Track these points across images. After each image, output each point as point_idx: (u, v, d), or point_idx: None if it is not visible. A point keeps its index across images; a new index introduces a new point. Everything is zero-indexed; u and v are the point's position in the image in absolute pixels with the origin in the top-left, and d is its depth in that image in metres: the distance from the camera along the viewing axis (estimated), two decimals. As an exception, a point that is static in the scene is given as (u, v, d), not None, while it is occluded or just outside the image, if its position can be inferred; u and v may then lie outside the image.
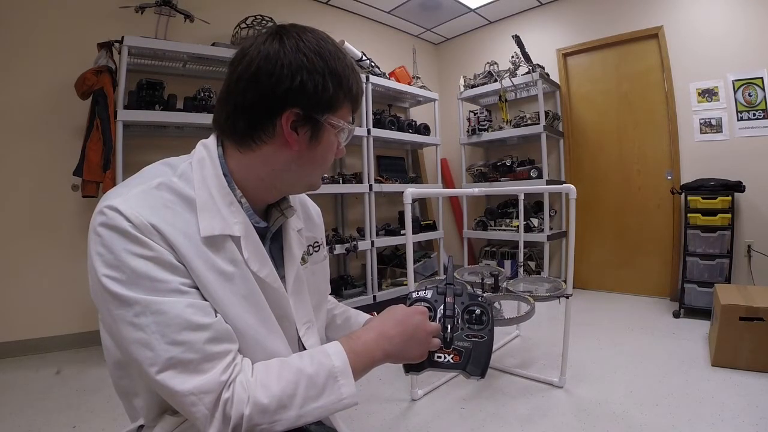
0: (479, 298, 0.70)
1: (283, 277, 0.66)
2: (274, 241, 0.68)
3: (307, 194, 0.83)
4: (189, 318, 0.50)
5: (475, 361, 0.65)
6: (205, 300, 0.54)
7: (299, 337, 0.67)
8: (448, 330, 0.67)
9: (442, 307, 0.68)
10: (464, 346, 0.66)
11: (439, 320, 0.67)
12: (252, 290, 0.59)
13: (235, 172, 0.62)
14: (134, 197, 0.53)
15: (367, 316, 0.84)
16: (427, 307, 0.68)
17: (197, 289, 0.54)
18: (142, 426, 0.65)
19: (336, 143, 0.64)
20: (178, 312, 0.49)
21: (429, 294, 0.70)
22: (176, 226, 0.54)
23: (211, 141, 0.63)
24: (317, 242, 0.78)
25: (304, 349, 0.65)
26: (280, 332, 0.62)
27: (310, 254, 0.75)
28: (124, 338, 0.50)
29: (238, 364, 0.52)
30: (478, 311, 0.68)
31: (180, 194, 0.57)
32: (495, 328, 0.69)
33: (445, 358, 0.66)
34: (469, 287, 0.75)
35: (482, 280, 1.96)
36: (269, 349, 0.58)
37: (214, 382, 0.49)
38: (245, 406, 0.49)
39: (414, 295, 0.71)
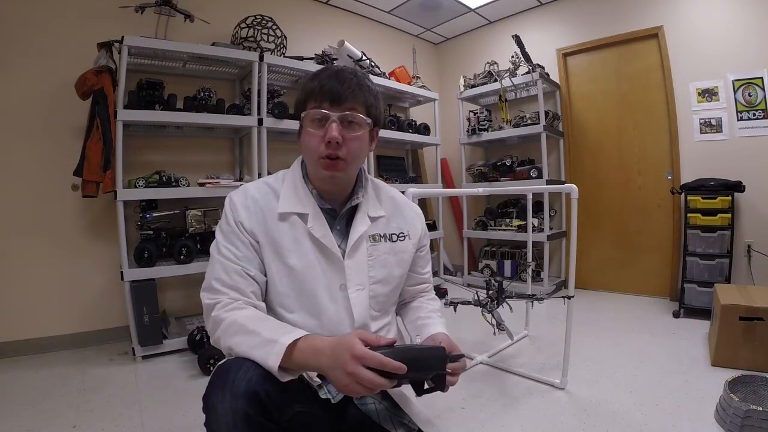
0: None
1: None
2: (346, 224, 0.92)
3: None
4: (219, 273, 0.82)
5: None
6: (254, 258, 0.85)
7: (348, 292, 0.86)
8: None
9: None
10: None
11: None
12: (308, 247, 0.86)
13: (308, 171, 0.91)
14: (244, 188, 0.90)
15: (439, 330, 0.92)
16: None
17: (252, 253, 0.84)
18: None
19: (311, 128, 0.84)
20: (217, 267, 0.83)
21: None
22: (262, 202, 0.87)
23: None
24: (402, 233, 0.96)
25: (348, 302, 0.86)
26: (325, 275, 0.86)
27: (393, 240, 0.94)
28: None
29: (228, 304, 0.79)
30: None
31: (272, 188, 0.91)
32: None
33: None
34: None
35: (487, 289, 1.98)
36: (316, 280, 0.85)
37: (211, 305, 0.81)
38: (217, 323, 0.79)
39: None
